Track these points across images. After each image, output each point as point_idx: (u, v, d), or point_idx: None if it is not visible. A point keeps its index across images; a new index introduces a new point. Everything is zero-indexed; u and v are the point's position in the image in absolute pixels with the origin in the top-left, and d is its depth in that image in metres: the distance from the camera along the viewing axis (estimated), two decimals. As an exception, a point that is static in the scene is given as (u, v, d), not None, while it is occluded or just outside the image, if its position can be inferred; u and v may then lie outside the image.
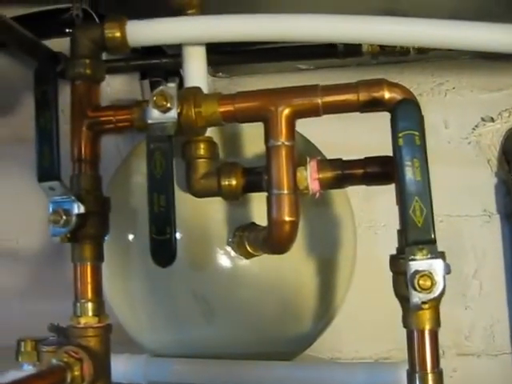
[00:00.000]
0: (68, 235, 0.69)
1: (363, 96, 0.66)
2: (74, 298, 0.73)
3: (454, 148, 1.29)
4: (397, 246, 0.63)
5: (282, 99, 0.68)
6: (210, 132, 0.78)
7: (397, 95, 0.66)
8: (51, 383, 0.67)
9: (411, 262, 0.58)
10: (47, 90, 0.71)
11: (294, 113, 0.68)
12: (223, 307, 0.89)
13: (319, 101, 0.67)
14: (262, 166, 0.71)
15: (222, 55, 1.09)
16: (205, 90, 0.75)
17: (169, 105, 0.67)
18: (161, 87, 0.68)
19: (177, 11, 0.80)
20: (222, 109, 0.70)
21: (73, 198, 0.69)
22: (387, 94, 0.66)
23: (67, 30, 1.06)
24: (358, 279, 1.03)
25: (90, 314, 0.72)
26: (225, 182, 0.76)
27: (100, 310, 0.73)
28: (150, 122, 0.68)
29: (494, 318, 1.26)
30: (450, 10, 1.01)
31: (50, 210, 0.68)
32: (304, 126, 0.74)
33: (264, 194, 0.69)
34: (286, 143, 0.67)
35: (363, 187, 0.73)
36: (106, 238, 0.75)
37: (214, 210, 0.87)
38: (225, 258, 0.88)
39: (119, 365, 0.89)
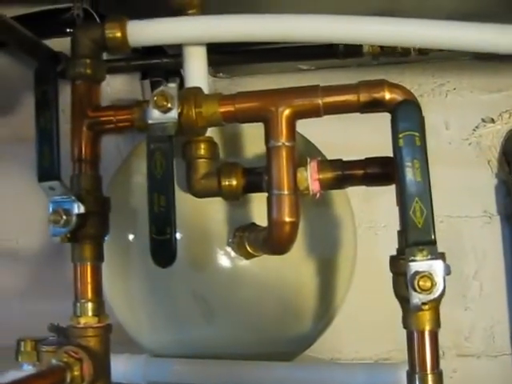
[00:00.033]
0: (68, 235, 0.69)
1: (364, 97, 0.66)
2: (74, 298, 0.73)
3: (454, 149, 1.30)
4: (397, 246, 0.63)
5: (283, 100, 0.68)
6: (210, 132, 0.78)
7: (397, 96, 0.66)
8: (51, 383, 0.67)
9: (411, 263, 0.58)
10: (47, 89, 0.71)
11: (295, 113, 0.68)
12: (223, 307, 0.89)
13: (320, 101, 0.67)
14: (263, 166, 0.70)
15: (223, 55, 1.09)
16: (205, 91, 0.75)
17: (169, 105, 0.67)
18: (161, 87, 0.68)
19: (177, 11, 0.80)
20: (222, 109, 0.70)
21: (73, 197, 0.69)
22: (388, 95, 0.66)
23: (68, 30, 1.06)
24: (358, 280, 1.03)
25: (90, 314, 0.72)
26: (225, 183, 0.76)
27: (100, 310, 0.73)
28: (150, 122, 0.68)
29: (494, 319, 1.26)
30: (450, 11, 1.01)
31: (50, 209, 0.68)
32: (304, 127, 0.74)
33: (264, 195, 0.69)
34: (287, 144, 0.67)
35: (363, 188, 0.73)
36: (106, 238, 0.75)
37: (214, 210, 0.87)
38: (225, 259, 0.88)
39: (119, 365, 0.89)
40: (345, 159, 0.72)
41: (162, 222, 0.68)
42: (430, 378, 0.60)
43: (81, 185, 0.73)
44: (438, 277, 0.57)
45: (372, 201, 1.23)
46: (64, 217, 0.68)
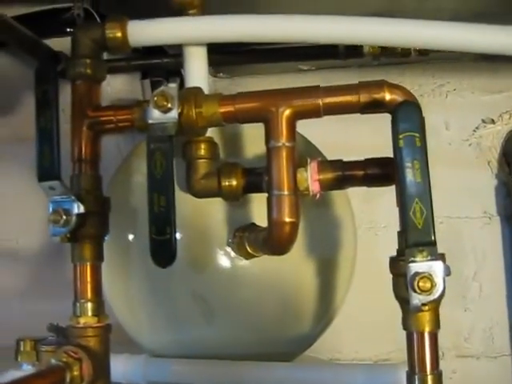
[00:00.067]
0: (68, 235, 0.69)
1: (364, 97, 0.66)
2: (74, 297, 0.73)
3: (454, 149, 1.30)
4: (397, 247, 0.63)
5: (283, 100, 0.68)
6: (210, 132, 0.78)
7: (398, 97, 0.66)
8: (50, 383, 0.67)
9: (411, 264, 0.58)
10: (48, 89, 0.71)
11: (295, 114, 0.68)
12: (223, 308, 0.89)
13: (320, 102, 0.67)
14: (263, 166, 0.70)
15: (223, 55, 1.09)
16: (206, 91, 0.75)
17: (169, 105, 0.67)
18: (161, 87, 0.68)
19: (178, 11, 0.80)
20: (222, 109, 0.70)
21: (73, 197, 0.69)
22: (388, 96, 0.66)
23: (68, 30, 1.06)
24: (358, 280, 1.03)
25: (90, 313, 0.72)
26: (225, 183, 0.76)
27: (99, 309, 0.73)
28: (150, 122, 0.68)
29: (493, 320, 1.26)
30: (450, 11, 1.01)
31: (50, 209, 0.68)
32: (305, 127, 0.74)
33: (264, 195, 0.69)
34: (287, 144, 0.67)
35: (364, 188, 0.73)
36: (105, 237, 0.75)
37: (214, 210, 0.87)
38: (225, 259, 0.88)
39: (118, 365, 0.89)
40: (345, 160, 0.72)
41: (162, 222, 0.68)
42: (429, 378, 0.60)
43: (81, 185, 0.73)
44: (438, 278, 0.57)
45: (372, 201, 1.23)
46: (64, 217, 0.68)
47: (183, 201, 0.78)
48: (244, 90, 0.73)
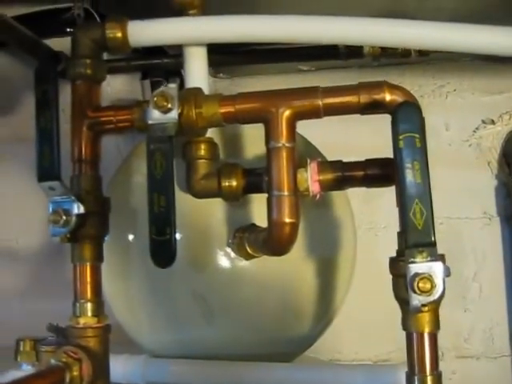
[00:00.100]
0: (68, 235, 0.69)
1: (364, 98, 0.66)
2: (74, 298, 0.73)
3: (454, 150, 1.29)
4: (397, 248, 0.63)
5: (283, 101, 0.68)
6: (210, 133, 0.78)
7: (398, 97, 0.66)
8: (50, 383, 0.67)
9: (411, 265, 0.58)
10: (48, 89, 0.71)
11: (295, 114, 0.68)
12: (223, 308, 0.89)
13: (320, 102, 0.67)
14: (263, 167, 0.70)
15: (223, 56, 1.09)
16: (206, 91, 0.75)
17: (169, 105, 0.67)
18: (161, 88, 0.68)
19: (178, 11, 0.80)
20: (222, 110, 0.70)
21: (73, 198, 0.69)
22: (388, 97, 0.66)
23: (68, 30, 1.06)
24: (358, 281, 1.03)
25: (90, 314, 0.72)
26: (225, 183, 0.76)
27: (99, 310, 0.73)
28: (150, 122, 0.68)
29: (493, 320, 1.26)
30: (450, 11, 1.01)
31: (50, 210, 0.68)
32: (305, 128, 0.74)
33: (264, 195, 0.69)
34: (287, 145, 0.67)
35: (363, 189, 0.73)
36: (105, 238, 0.75)
37: (214, 210, 0.87)
38: (225, 259, 0.88)
39: (118, 365, 0.89)
40: (345, 160, 0.72)
41: (162, 223, 0.68)
42: (429, 379, 0.60)
43: (81, 185, 0.73)
44: (438, 279, 0.57)
45: (372, 202, 1.23)
46: (64, 217, 0.68)
47: (183, 201, 0.77)
48: (244, 90, 0.73)
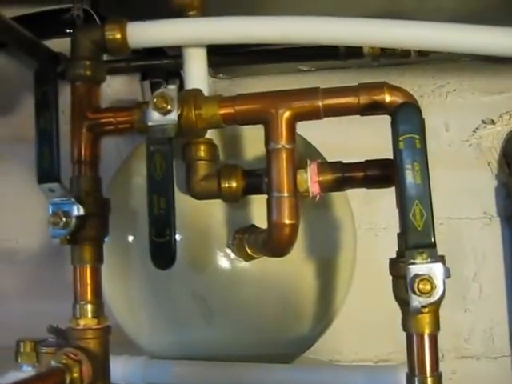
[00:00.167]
0: (68, 237, 0.69)
1: (364, 99, 0.66)
2: (74, 299, 0.73)
3: (454, 150, 1.29)
4: (397, 248, 0.63)
5: (283, 102, 0.68)
6: (210, 134, 0.78)
7: (397, 98, 0.66)
8: (50, 385, 0.67)
9: (411, 266, 0.58)
10: (47, 90, 0.71)
11: (295, 115, 0.68)
12: (223, 309, 0.89)
13: (320, 103, 0.67)
14: (263, 168, 0.70)
15: (223, 56, 1.09)
16: (205, 92, 0.75)
17: (169, 107, 0.67)
18: (161, 89, 0.68)
19: (177, 12, 0.80)
20: (222, 111, 0.70)
21: (72, 199, 0.69)
22: (388, 98, 0.66)
23: (68, 31, 1.06)
24: (358, 281, 1.03)
25: (90, 315, 0.72)
26: (225, 184, 0.76)
27: (99, 311, 0.73)
28: (150, 124, 0.68)
29: (493, 320, 1.26)
30: (450, 12, 1.01)
31: (50, 211, 0.68)
32: (304, 129, 0.74)
33: (264, 196, 0.69)
34: (287, 146, 0.67)
35: (363, 189, 0.73)
36: (105, 239, 0.75)
37: (214, 212, 0.87)
38: (225, 260, 0.88)
39: (118, 366, 0.89)
40: (345, 161, 0.72)
41: (162, 224, 0.68)
42: (429, 380, 0.60)
43: (80, 186, 0.73)
44: (438, 280, 0.57)
45: (372, 202, 1.23)
46: (63, 219, 0.68)
47: (183, 202, 0.78)
48: (244, 90, 0.73)
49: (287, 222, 0.67)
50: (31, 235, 1.33)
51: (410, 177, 0.59)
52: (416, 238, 0.58)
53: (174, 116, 0.68)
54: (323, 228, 0.94)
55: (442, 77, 1.30)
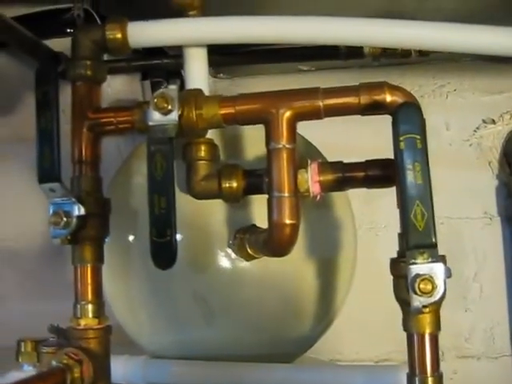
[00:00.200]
0: (68, 237, 0.69)
1: (364, 99, 0.66)
2: (74, 299, 0.73)
3: (455, 150, 1.29)
4: (397, 249, 0.63)
5: (283, 102, 0.68)
6: (210, 134, 0.78)
7: (398, 98, 0.66)
8: (51, 385, 0.67)
9: (412, 266, 0.58)
10: (48, 90, 0.71)
11: (295, 115, 0.68)
12: (223, 309, 0.89)
13: (320, 103, 0.67)
14: (263, 168, 0.70)
15: (224, 56, 1.09)
16: (206, 92, 0.75)
17: (170, 107, 0.67)
18: (162, 89, 0.68)
19: (178, 12, 0.80)
20: (222, 111, 0.70)
21: (73, 199, 0.69)
22: (389, 97, 0.66)
23: (68, 30, 1.06)
24: (359, 281, 1.03)
25: (90, 315, 0.72)
26: (225, 184, 0.76)
27: (100, 311, 0.73)
28: (150, 124, 0.68)
29: (494, 320, 1.26)
30: (450, 11, 1.01)
31: (51, 211, 0.68)
32: (305, 129, 0.74)
33: (265, 196, 0.69)
34: (287, 146, 0.67)
35: (364, 189, 0.73)
36: (106, 239, 0.75)
37: (215, 212, 0.87)
38: (225, 260, 0.88)
39: (118, 366, 0.89)
40: (345, 161, 0.72)
41: (163, 225, 0.68)
42: (430, 380, 0.60)
43: (81, 186, 0.73)
44: (439, 280, 0.57)
45: (372, 202, 1.23)
46: (64, 219, 0.68)
47: (184, 202, 0.77)
48: (244, 90, 0.73)
49: (288, 221, 0.67)
50: (32, 235, 1.33)
51: (411, 177, 0.59)
52: (417, 238, 0.58)
53: (174, 116, 0.68)
54: (324, 228, 0.94)
55: (442, 77, 1.30)
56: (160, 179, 0.68)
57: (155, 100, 0.67)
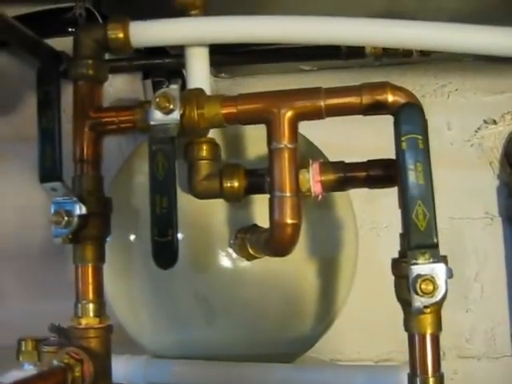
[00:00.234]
0: (70, 236, 0.69)
1: (366, 99, 0.66)
2: (75, 298, 0.73)
3: (456, 150, 1.29)
4: (399, 249, 0.63)
5: (285, 101, 0.68)
6: (212, 133, 0.78)
7: (400, 99, 0.65)
8: (52, 384, 0.67)
9: (413, 266, 0.58)
10: (50, 89, 0.71)
11: (297, 115, 0.68)
12: (224, 309, 0.89)
13: (322, 103, 0.67)
14: (265, 167, 0.70)
15: (225, 56, 1.09)
16: (207, 92, 0.75)
17: (171, 106, 0.67)
18: (163, 89, 0.68)
19: (180, 12, 0.80)
20: (224, 111, 0.70)
21: (74, 198, 0.69)
22: (390, 98, 0.66)
23: (70, 29, 1.06)
24: (360, 281, 1.03)
25: (91, 315, 0.72)
26: (227, 184, 0.76)
27: (101, 310, 0.73)
28: (152, 123, 0.68)
29: (494, 320, 1.26)
30: (451, 11, 1.01)
31: (52, 210, 0.68)
32: (307, 128, 0.74)
33: (266, 196, 0.69)
34: (289, 146, 0.67)
35: (366, 189, 0.72)
36: (107, 238, 0.75)
37: (216, 211, 0.87)
38: (226, 260, 0.88)
39: (119, 366, 0.89)
40: (347, 161, 0.72)
41: (164, 224, 0.68)
42: (431, 381, 0.60)
43: (82, 185, 0.73)
44: (440, 280, 0.57)
45: (374, 202, 1.23)
46: (65, 218, 0.68)
47: (185, 202, 0.77)
48: (245, 90, 0.73)
49: (289, 221, 0.67)
50: (33, 234, 1.33)
51: (413, 177, 0.59)
52: (418, 239, 0.58)
53: (176, 115, 0.68)
54: (325, 228, 0.94)
55: (444, 76, 1.30)
56: (161, 179, 0.68)
57: (157, 99, 0.67)
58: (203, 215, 0.88)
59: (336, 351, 1.26)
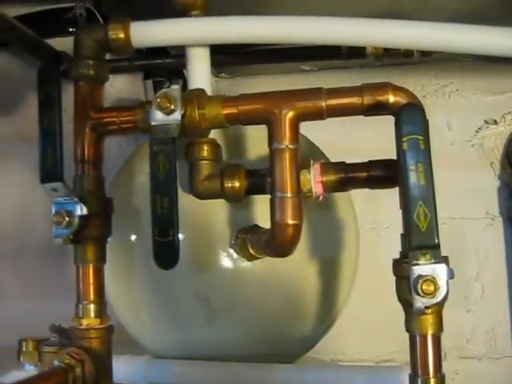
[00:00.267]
0: (70, 237, 0.69)
1: (367, 99, 0.66)
2: (76, 299, 0.73)
3: (457, 150, 1.29)
4: (400, 249, 0.63)
5: (286, 102, 0.68)
6: (213, 134, 0.78)
7: (401, 99, 0.65)
8: (53, 384, 0.67)
9: (414, 267, 0.58)
10: (50, 89, 0.71)
11: (298, 116, 0.68)
12: (225, 309, 0.89)
13: (323, 104, 0.67)
14: (266, 168, 0.70)
15: (226, 56, 1.09)
16: (208, 92, 0.75)
17: (172, 107, 0.67)
18: (164, 89, 0.68)
19: (181, 12, 0.80)
20: (225, 111, 0.70)
21: (75, 199, 0.69)
22: (392, 98, 0.66)
23: (70, 29, 1.06)
24: (361, 281, 1.03)
25: (92, 315, 0.72)
26: (228, 184, 0.76)
27: (102, 311, 0.73)
28: (153, 123, 0.68)
29: (495, 321, 1.26)
30: (452, 12, 1.01)
31: (53, 211, 0.68)
32: (308, 129, 0.74)
33: (267, 196, 0.69)
34: (290, 146, 0.67)
35: (367, 189, 0.72)
36: (108, 239, 0.75)
37: (217, 211, 0.87)
38: (227, 260, 0.88)
39: (120, 366, 0.89)
40: (348, 162, 0.72)
41: (165, 224, 0.68)
42: (432, 381, 0.60)
43: (83, 186, 0.73)
44: (441, 281, 0.57)
45: (375, 202, 1.23)
46: (66, 218, 0.68)
47: (186, 202, 0.77)
48: (246, 90, 0.73)
49: (290, 222, 0.67)
50: (34, 234, 1.33)
51: (414, 178, 0.59)
52: (420, 239, 0.58)
53: (177, 116, 0.68)
54: (326, 228, 0.94)
55: (444, 77, 1.30)
56: (162, 179, 0.68)
57: (158, 100, 0.67)
58: (204, 215, 0.88)
59: (337, 352, 1.26)
